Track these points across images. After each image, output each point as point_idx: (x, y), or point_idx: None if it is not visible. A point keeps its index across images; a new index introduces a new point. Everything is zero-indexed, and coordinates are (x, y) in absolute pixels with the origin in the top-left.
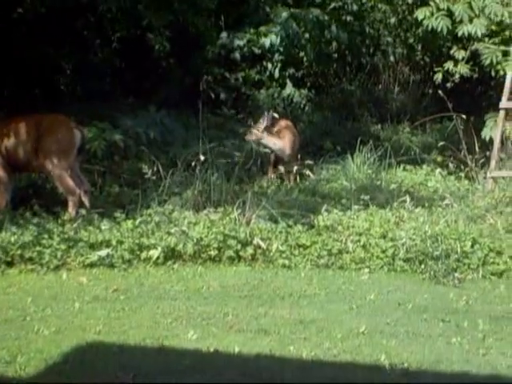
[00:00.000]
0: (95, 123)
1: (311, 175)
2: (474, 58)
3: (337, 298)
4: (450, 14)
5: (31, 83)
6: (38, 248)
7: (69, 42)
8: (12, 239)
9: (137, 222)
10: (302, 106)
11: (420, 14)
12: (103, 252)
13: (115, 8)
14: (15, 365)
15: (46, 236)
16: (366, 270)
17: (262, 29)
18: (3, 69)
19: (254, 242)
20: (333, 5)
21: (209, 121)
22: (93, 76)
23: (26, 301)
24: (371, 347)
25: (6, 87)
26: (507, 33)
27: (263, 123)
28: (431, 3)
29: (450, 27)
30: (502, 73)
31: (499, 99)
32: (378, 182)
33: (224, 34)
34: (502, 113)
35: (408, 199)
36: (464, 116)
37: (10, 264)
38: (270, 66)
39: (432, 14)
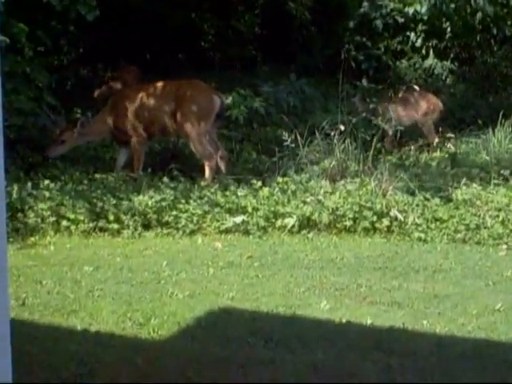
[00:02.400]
0: (237, 90)
1: (451, 148)
2: None
3: (473, 273)
4: None
5: (174, 48)
6: (174, 212)
7: (212, 8)
8: (149, 203)
9: (273, 189)
10: (443, 77)
11: None
12: (239, 218)
13: None
14: (148, 327)
15: (182, 200)
16: (504, 247)
17: None
18: (147, 33)
19: (391, 213)
20: None
21: (348, 91)
22: (235, 42)
23: (161, 264)
24: (507, 325)
25: (149, 51)
26: None
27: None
28: None
29: None
30: None
31: None
32: None
33: (366, 3)
34: None
35: None
36: None
37: (146, 227)
38: (412, 35)
39: None
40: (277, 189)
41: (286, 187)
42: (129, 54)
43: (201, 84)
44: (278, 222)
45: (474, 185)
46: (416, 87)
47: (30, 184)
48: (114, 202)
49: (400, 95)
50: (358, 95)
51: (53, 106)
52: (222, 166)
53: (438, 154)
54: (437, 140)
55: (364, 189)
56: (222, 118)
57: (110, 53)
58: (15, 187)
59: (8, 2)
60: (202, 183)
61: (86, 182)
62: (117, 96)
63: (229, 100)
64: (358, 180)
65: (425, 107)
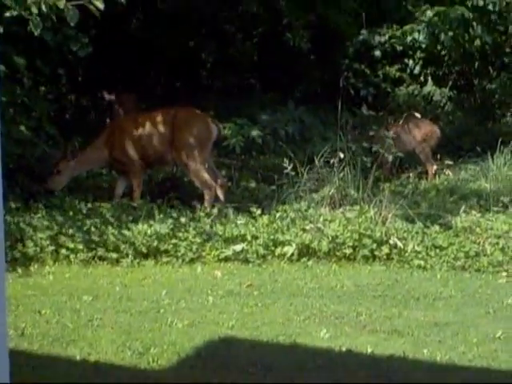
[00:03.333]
0: (234, 119)
1: (450, 175)
2: None
3: (473, 301)
4: None
5: (172, 76)
6: (173, 241)
7: (210, 36)
8: (149, 231)
9: (272, 217)
10: (442, 104)
11: None
12: (238, 247)
13: (257, 3)
14: (148, 356)
15: (182, 229)
16: (504, 274)
17: (407, 27)
18: (145, 61)
19: (390, 241)
20: (476, 2)
21: (347, 119)
22: (233, 70)
23: (161, 293)
24: (508, 353)
25: (147, 79)
26: None
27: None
28: None
29: None
30: None
31: None
32: None
33: (365, 31)
34: None
35: None
36: None
37: (145, 256)
38: (411, 63)
39: None
40: (276, 217)
41: (285, 215)
42: (127, 82)
43: (198, 112)
44: (278, 250)
45: (474, 212)
46: (417, 114)
47: (28, 213)
48: (113, 230)
49: (398, 122)
50: (349, 125)
51: (52, 135)
52: (221, 195)
53: (437, 181)
54: (435, 167)
55: (363, 216)
56: (218, 146)
57: (108, 81)
58: (14, 216)
59: (6, 32)
60: (201, 212)
61: (84, 210)
62: (113, 125)
63: (226, 129)
64: (357, 208)
65: (421, 134)
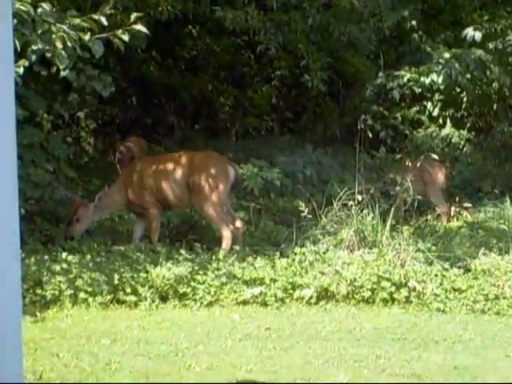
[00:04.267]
0: (252, 161)
1: (468, 217)
2: None
3: (493, 344)
4: None
5: (190, 119)
6: (192, 284)
7: (229, 79)
8: (167, 274)
9: (291, 260)
10: (460, 146)
11: None
12: (256, 290)
13: (275, 47)
14: None
15: (200, 272)
16: None
17: (424, 68)
18: (164, 104)
19: (409, 284)
20: (494, 45)
21: (365, 161)
22: (251, 113)
23: (179, 336)
24: None
25: (166, 122)
26: None
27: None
28: None
29: None
30: None
31: None
32: None
33: (382, 73)
34: None
35: None
36: None
37: (164, 299)
38: (429, 105)
39: None
40: (294, 259)
41: (303, 258)
42: (146, 125)
43: (215, 155)
44: (296, 293)
45: (493, 254)
46: (435, 156)
47: (47, 256)
48: (132, 274)
49: (406, 164)
50: (367, 167)
51: (71, 178)
52: (239, 237)
53: (455, 223)
54: (446, 209)
55: (382, 259)
56: (236, 188)
57: (128, 124)
58: (33, 260)
59: (26, 74)
60: (220, 254)
61: (103, 253)
62: (130, 168)
63: (244, 171)
64: (375, 250)
65: (429, 175)
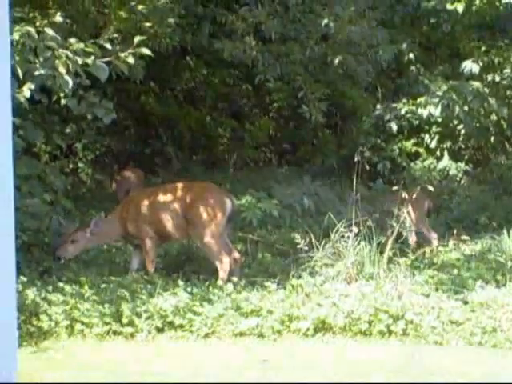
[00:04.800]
0: (250, 192)
1: (466, 250)
2: None
3: (491, 377)
4: None
5: (188, 150)
6: (188, 315)
7: (226, 110)
8: (164, 305)
9: (287, 292)
10: (458, 179)
11: None
12: (253, 321)
13: (273, 78)
14: None
15: (197, 303)
16: None
17: (422, 100)
18: (162, 135)
19: (406, 316)
20: (492, 77)
21: (362, 193)
22: (249, 144)
23: (175, 368)
24: None
25: (162, 153)
26: None
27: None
28: None
29: None
30: None
31: None
32: None
33: (380, 106)
34: None
35: None
36: None
37: (160, 330)
38: (426, 137)
39: None
40: (291, 291)
41: (300, 290)
42: (144, 156)
43: (212, 186)
44: (293, 325)
45: (490, 287)
46: (430, 188)
47: (44, 287)
48: (128, 305)
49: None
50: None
51: (68, 209)
52: (236, 268)
53: (453, 255)
54: (434, 236)
55: (379, 291)
56: (232, 219)
57: (125, 155)
58: (30, 291)
59: (23, 105)
60: (217, 286)
61: (100, 284)
62: (127, 199)
63: (242, 202)
64: (373, 282)
65: (409, 205)
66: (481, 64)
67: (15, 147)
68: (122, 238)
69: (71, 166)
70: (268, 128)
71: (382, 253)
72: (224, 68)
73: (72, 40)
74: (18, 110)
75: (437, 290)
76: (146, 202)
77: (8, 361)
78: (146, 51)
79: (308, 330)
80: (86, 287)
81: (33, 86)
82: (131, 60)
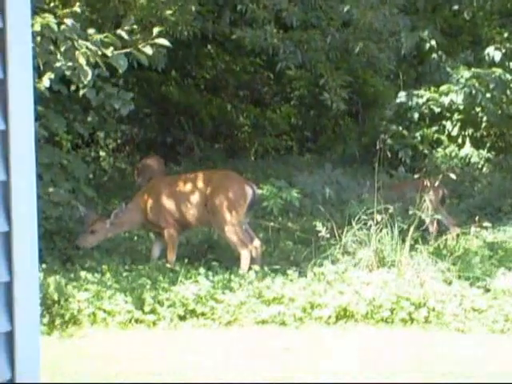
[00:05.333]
0: (272, 181)
1: (488, 237)
2: None
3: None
4: None
5: (210, 138)
6: (211, 303)
7: (248, 99)
8: (186, 294)
9: (309, 280)
10: (480, 166)
11: None
12: (275, 309)
13: (294, 65)
14: None
15: (219, 291)
16: None
17: (444, 87)
18: (183, 123)
19: (428, 304)
20: None
21: (384, 181)
22: (270, 132)
23: (197, 356)
24: None
25: (183, 142)
26: None
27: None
28: None
29: None
30: None
31: None
32: None
33: (402, 93)
34: None
35: None
36: None
37: (182, 318)
38: (448, 124)
39: None
40: (313, 279)
41: (322, 277)
42: (165, 145)
43: (233, 174)
44: (315, 313)
45: None
46: (453, 175)
47: (66, 275)
48: (151, 293)
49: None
50: (368, 184)
51: (90, 197)
52: (258, 256)
53: (475, 242)
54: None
55: (401, 279)
56: (253, 207)
57: (147, 144)
58: (52, 279)
59: (46, 94)
60: (238, 274)
61: (122, 273)
62: (148, 187)
63: (264, 190)
64: (395, 270)
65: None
66: (503, 51)
67: (37, 136)
68: (142, 227)
69: (93, 154)
70: (289, 116)
71: (403, 240)
72: (245, 56)
73: (91, 31)
74: (39, 99)
75: (459, 277)
76: (166, 191)
77: (31, 349)
78: (164, 42)
79: (330, 317)
80: (108, 275)
81: (52, 76)
82: (149, 51)
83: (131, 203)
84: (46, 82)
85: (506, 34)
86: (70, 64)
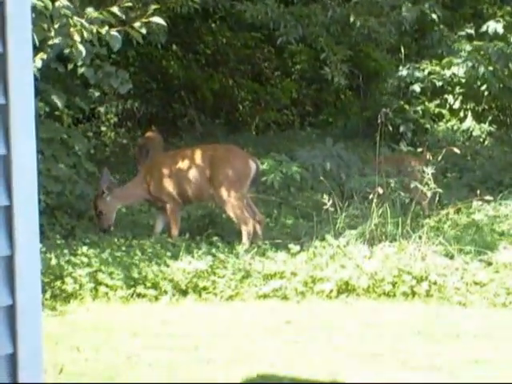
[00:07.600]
0: (273, 155)
1: (490, 211)
2: None
3: None
4: None
5: (211, 113)
6: (212, 277)
7: (248, 73)
8: (187, 268)
9: (311, 254)
10: (481, 140)
11: None
12: (277, 283)
13: (295, 40)
14: None
15: (220, 266)
16: None
17: (445, 61)
18: (184, 99)
19: (430, 277)
20: None
21: (385, 154)
22: (271, 107)
23: (199, 330)
24: None
25: (184, 116)
26: None
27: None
28: None
29: None
30: None
31: None
32: None
33: (403, 67)
34: None
35: None
36: None
37: (184, 293)
38: (450, 98)
39: None
40: (315, 253)
41: (323, 252)
42: (166, 120)
43: (236, 149)
44: (316, 287)
45: None
46: (456, 150)
47: (68, 250)
48: (152, 267)
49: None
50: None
51: (91, 172)
52: (259, 231)
53: (476, 216)
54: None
55: (403, 252)
56: (256, 182)
57: (148, 119)
58: (53, 254)
59: (45, 69)
60: (240, 248)
61: (124, 247)
62: (151, 162)
63: (264, 165)
64: (396, 243)
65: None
66: (504, 24)
67: (38, 111)
68: (145, 201)
69: (94, 129)
70: (290, 90)
71: (405, 214)
72: (246, 31)
73: (90, 9)
74: (38, 74)
75: (460, 251)
76: (169, 165)
77: (33, 323)
78: (159, 20)
79: (331, 291)
80: (110, 250)
81: (45, 57)
82: (144, 30)
83: (135, 178)
84: (38, 62)
85: (507, 8)
86: (64, 41)
